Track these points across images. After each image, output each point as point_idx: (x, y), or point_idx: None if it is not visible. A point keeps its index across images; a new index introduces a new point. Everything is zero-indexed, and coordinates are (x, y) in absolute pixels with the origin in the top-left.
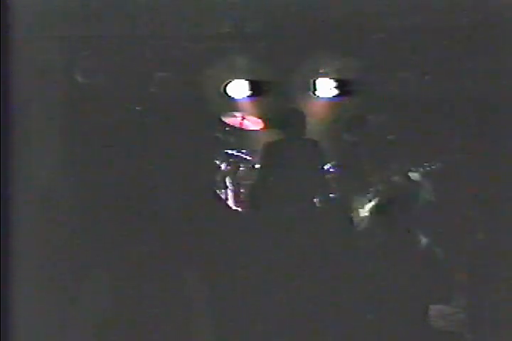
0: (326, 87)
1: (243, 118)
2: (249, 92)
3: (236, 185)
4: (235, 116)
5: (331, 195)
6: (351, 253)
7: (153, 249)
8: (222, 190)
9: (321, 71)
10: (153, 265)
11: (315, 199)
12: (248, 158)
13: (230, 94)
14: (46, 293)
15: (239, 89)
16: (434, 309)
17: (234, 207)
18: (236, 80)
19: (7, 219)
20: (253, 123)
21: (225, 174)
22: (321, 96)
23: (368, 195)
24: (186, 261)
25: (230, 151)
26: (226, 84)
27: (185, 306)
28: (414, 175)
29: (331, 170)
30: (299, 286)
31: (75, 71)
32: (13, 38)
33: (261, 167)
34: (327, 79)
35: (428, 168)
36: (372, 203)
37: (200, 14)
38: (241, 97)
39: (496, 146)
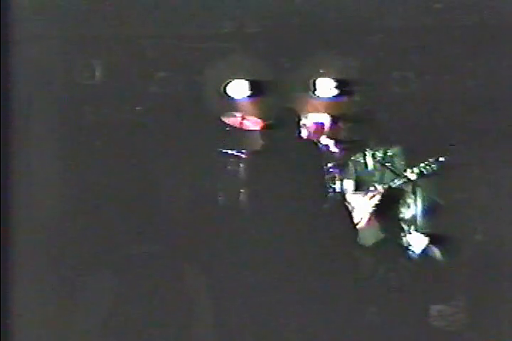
0: (326, 87)
1: (243, 118)
2: (249, 92)
3: None
4: (235, 116)
5: (329, 195)
6: (351, 252)
7: (155, 248)
8: None
9: (321, 71)
10: (156, 264)
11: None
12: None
13: (230, 94)
14: (47, 292)
15: (239, 89)
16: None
17: None
18: (236, 80)
19: (7, 219)
20: (253, 123)
21: None
22: (321, 96)
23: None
24: (187, 259)
25: (229, 151)
26: (226, 84)
27: (188, 305)
28: (412, 175)
29: (331, 170)
30: (299, 284)
31: (75, 71)
32: (14, 37)
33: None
34: (327, 79)
35: (428, 168)
36: (374, 202)
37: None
38: (241, 97)
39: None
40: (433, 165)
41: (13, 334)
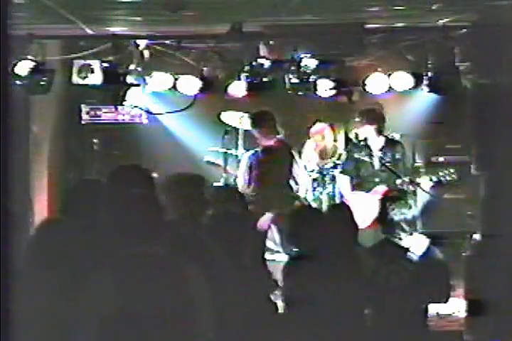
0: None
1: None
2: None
3: None
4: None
5: (329, 193)
6: (350, 252)
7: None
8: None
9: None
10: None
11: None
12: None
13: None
14: (47, 292)
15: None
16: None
17: None
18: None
19: (7, 218)
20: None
21: None
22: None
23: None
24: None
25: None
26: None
27: (189, 305)
28: (429, 183)
29: (330, 170)
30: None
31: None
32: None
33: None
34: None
35: (447, 178)
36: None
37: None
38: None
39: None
40: (453, 176)
41: (13, 333)
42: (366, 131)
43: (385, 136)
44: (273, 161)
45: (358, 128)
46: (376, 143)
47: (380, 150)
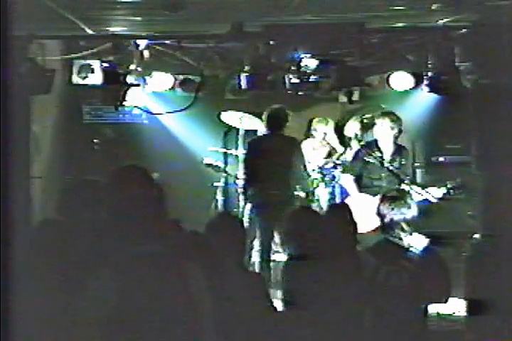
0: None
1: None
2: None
3: None
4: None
5: (329, 193)
6: (350, 252)
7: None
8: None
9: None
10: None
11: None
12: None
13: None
14: (47, 292)
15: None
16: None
17: None
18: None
19: (7, 218)
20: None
21: None
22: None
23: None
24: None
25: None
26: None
27: (190, 304)
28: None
29: (331, 169)
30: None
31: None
32: (14, 37)
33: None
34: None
35: (454, 190)
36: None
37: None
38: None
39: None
40: (460, 190)
41: (13, 334)
42: (383, 132)
43: (395, 143)
44: (282, 159)
45: (376, 125)
46: (388, 147)
47: (391, 155)
